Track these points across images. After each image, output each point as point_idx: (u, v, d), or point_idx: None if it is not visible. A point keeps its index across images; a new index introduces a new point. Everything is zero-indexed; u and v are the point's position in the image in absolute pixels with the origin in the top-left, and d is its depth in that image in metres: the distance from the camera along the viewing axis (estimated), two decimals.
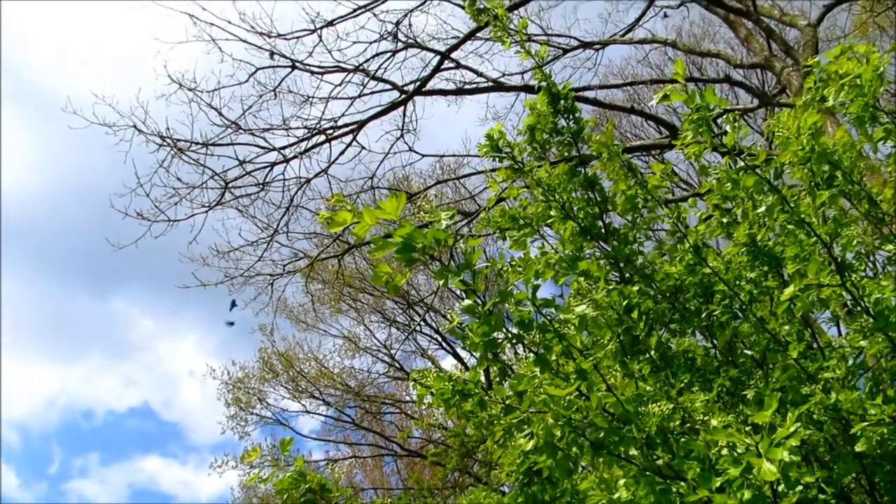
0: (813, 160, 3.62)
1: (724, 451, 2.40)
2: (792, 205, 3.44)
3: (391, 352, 20.49)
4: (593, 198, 5.34)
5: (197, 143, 11.97)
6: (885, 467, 3.33)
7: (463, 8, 6.79)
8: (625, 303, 4.59)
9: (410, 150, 13.92)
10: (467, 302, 2.53)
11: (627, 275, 5.27)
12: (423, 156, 14.78)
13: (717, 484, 2.28)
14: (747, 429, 2.31)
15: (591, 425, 2.60)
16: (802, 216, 3.40)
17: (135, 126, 11.47)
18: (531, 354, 2.72)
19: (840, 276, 3.21)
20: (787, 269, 3.53)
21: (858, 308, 3.26)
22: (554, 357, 2.72)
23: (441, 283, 2.41)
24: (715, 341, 4.69)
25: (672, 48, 17.33)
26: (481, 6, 5.93)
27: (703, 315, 4.75)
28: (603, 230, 5.36)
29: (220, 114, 12.00)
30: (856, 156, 4.24)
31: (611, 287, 4.85)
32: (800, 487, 2.33)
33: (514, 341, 2.62)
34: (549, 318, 2.65)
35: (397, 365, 20.43)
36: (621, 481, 2.67)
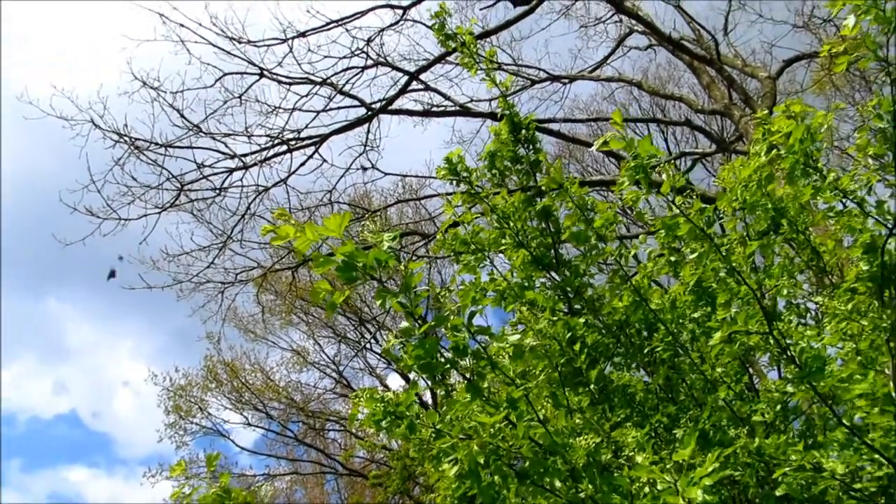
0: (747, 209, 3.73)
1: (646, 489, 2.44)
2: (724, 252, 3.54)
3: (339, 368, 20.30)
4: (547, 228, 5.41)
5: (156, 144, 11.79)
6: None
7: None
8: (569, 334, 4.65)
9: (373, 167, 13.94)
10: (405, 324, 2.54)
11: (577, 306, 5.34)
12: (385, 174, 14.80)
13: None
14: (668, 466, 2.35)
15: (517, 455, 2.61)
16: (733, 264, 3.49)
17: (92, 121, 11.26)
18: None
19: (768, 325, 3.30)
20: (718, 315, 3.62)
21: (785, 356, 3.35)
22: (486, 385, 2.73)
23: (379, 303, 2.41)
24: (662, 377, 4.76)
25: (637, 88, 17.73)
26: (450, 31, 5.99)
27: (646, 351, 4.82)
28: (554, 260, 5.43)
29: (182, 116, 11.86)
30: (797, 207, 4.38)
31: (556, 318, 4.90)
32: None
33: (447, 367, 2.62)
34: (483, 345, 2.67)
35: (345, 382, 20.23)
36: None
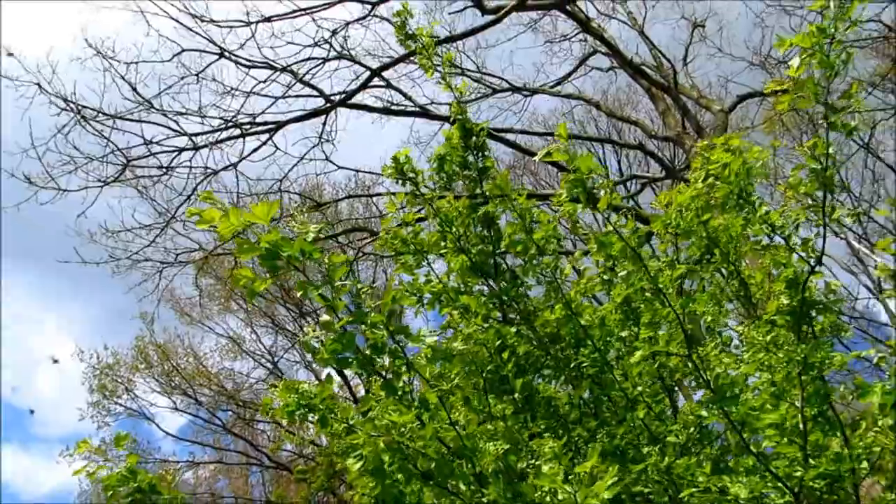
0: (681, 235, 3.82)
1: (548, 498, 2.47)
2: (652, 274, 3.61)
3: (275, 359, 20.03)
4: (489, 236, 5.43)
5: (104, 114, 11.46)
6: None
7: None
8: (499, 342, 4.67)
9: (326, 159, 13.81)
10: (325, 317, 2.51)
11: (510, 316, 5.38)
12: (339, 167, 14.70)
13: None
14: (572, 478, 2.38)
15: (423, 455, 2.61)
16: (660, 286, 3.57)
17: (38, 84, 10.88)
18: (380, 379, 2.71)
19: (688, 348, 3.38)
20: (641, 334, 3.69)
21: (702, 381, 3.43)
22: (401, 384, 2.71)
23: (300, 295, 2.37)
24: (584, 391, 4.81)
25: (596, 108, 18.01)
26: (410, 31, 5.98)
27: (573, 365, 4.88)
28: (493, 269, 5.46)
29: (135, 89, 11.56)
30: (728, 238, 4.50)
31: (487, 325, 4.93)
32: None
33: (364, 363, 2.60)
34: (401, 344, 2.66)
35: (279, 373, 19.95)
36: None
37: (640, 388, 3.99)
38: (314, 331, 2.60)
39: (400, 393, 2.65)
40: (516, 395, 4.49)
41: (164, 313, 21.80)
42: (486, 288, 5.51)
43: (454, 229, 5.40)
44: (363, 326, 2.56)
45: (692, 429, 3.79)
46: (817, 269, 3.62)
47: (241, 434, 21.60)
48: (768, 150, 3.94)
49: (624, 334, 4.69)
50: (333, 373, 2.75)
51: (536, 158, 3.87)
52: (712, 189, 3.72)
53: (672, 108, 15.53)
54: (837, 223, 3.54)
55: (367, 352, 2.58)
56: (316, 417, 2.69)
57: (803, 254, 3.56)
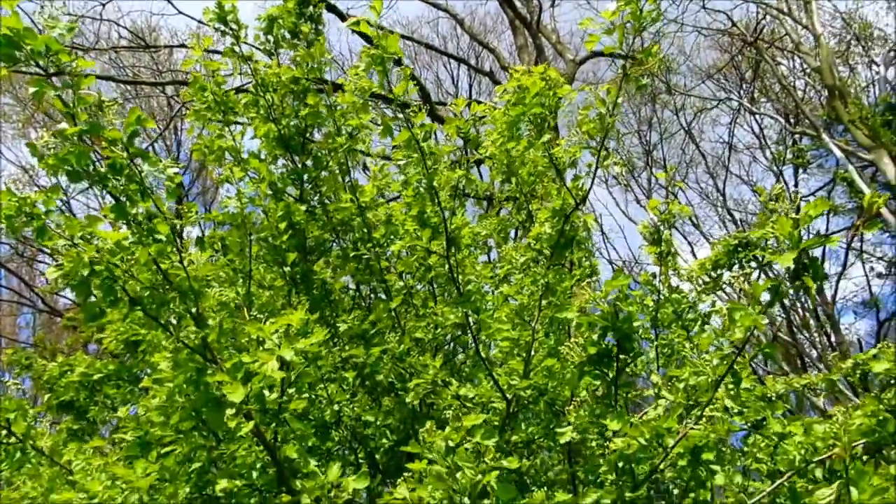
0: (470, 144, 3.96)
1: (254, 345, 2.55)
2: (428, 169, 3.73)
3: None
4: (302, 114, 5.28)
5: None
6: None
7: None
8: (282, 214, 4.64)
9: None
10: (63, 125, 2.33)
11: (308, 199, 5.34)
12: (179, 12, 13.56)
13: (229, 365, 2.40)
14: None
15: (133, 278, 2.56)
16: (434, 183, 3.70)
17: None
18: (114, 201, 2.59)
19: (447, 249, 3.55)
20: (407, 225, 3.83)
21: (454, 283, 3.62)
22: (135, 210, 2.61)
23: (33, 93, 2.19)
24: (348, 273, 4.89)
25: (460, 25, 17.93)
26: None
27: (354, 255, 4.95)
28: (301, 147, 5.36)
29: None
30: (527, 171, 4.72)
31: (277, 197, 4.87)
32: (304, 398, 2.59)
33: (97, 181, 2.47)
34: (139, 168, 2.55)
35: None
36: (163, 363, 2.70)
37: (402, 283, 4.16)
38: (48, 138, 2.41)
39: (131, 220, 2.55)
40: (286, 268, 4.51)
41: None
42: (290, 164, 5.42)
43: (268, 96, 5.22)
44: (103, 144, 2.42)
45: (437, 328, 4.03)
46: (582, 207, 3.92)
47: (16, 272, 20.03)
48: (572, 90, 4.12)
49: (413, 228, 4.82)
50: (56, 182, 2.58)
51: (345, 25, 3.79)
52: (509, 108, 3.85)
53: (529, 45, 15.80)
54: (608, 172, 3.83)
55: (103, 170, 2.44)
56: (35, 226, 2.53)
57: (570, 190, 3.81)
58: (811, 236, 3.48)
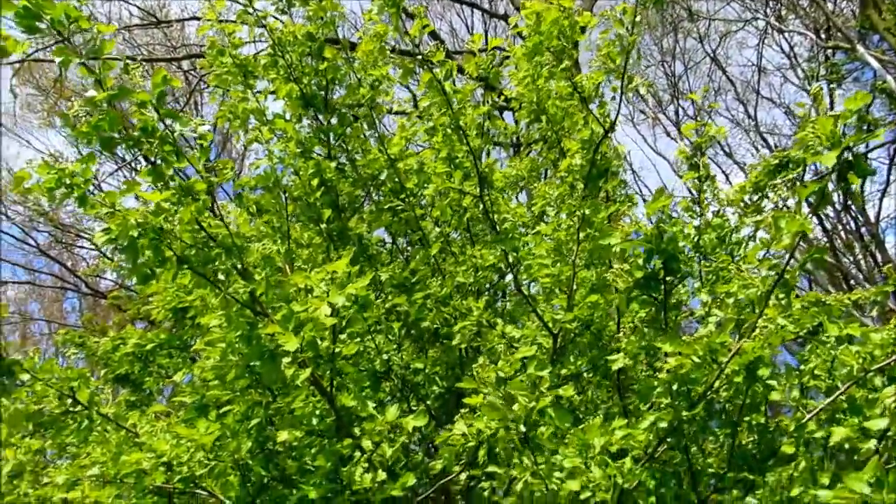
0: (491, 78, 3.89)
1: (302, 294, 2.58)
2: (454, 108, 3.68)
3: (99, 182, 18.79)
4: (322, 70, 5.24)
5: None
6: None
7: None
8: (313, 172, 4.65)
9: None
10: (91, 93, 2.34)
11: (336, 154, 5.33)
12: None
13: (279, 316, 2.43)
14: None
15: (179, 239, 2.59)
16: (461, 123, 3.65)
17: None
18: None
19: (480, 189, 3.52)
20: (437, 168, 3.79)
21: (488, 221, 3.59)
22: (170, 172, 2.63)
23: (59, 62, 2.19)
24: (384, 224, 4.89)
25: None
26: None
27: (388, 208, 4.95)
28: (324, 104, 5.33)
29: None
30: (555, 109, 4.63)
31: (307, 156, 4.87)
32: (356, 342, 2.63)
33: (131, 145, 2.49)
34: (172, 130, 2.55)
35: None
36: (214, 320, 2.75)
37: (438, 230, 4.15)
38: (78, 107, 2.42)
39: (167, 181, 2.57)
40: (323, 225, 4.53)
41: None
42: (313, 122, 5.40)
43: (287, 56, 5.18)
44: (133, 108, 2.43)
45: (478, 271, 4.02)
46: (610, 136, 3.84)
47: (57, 258, 20.50)
48: (593, 17, 4.01)
49: (444, 170, 4.79)
50: (92, 151, 2.60)
51: None
52: (528, 40, 3.77)
53: None
54: (636, 94, 3.73)
55: (136, 134, 2.46)
56: (76, 195, 2.56)
57: (599, 118, 3.74)
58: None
